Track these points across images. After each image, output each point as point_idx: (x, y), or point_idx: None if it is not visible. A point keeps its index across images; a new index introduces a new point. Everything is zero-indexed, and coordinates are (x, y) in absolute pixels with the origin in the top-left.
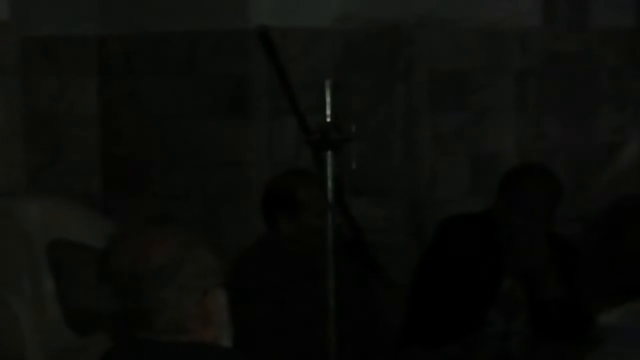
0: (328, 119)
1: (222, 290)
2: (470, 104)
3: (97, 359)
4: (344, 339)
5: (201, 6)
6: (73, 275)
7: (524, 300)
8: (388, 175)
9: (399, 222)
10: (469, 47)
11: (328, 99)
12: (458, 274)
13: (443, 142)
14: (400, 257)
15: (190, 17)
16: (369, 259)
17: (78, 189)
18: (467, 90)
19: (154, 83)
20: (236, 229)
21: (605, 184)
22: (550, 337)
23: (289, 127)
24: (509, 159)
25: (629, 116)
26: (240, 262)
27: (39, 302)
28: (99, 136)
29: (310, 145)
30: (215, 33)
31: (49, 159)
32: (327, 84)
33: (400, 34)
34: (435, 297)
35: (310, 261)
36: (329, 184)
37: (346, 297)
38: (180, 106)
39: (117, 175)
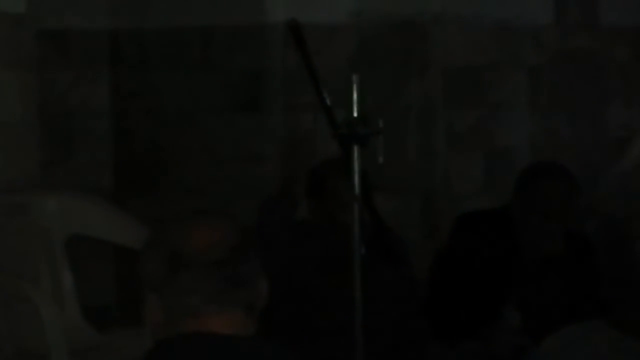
0: (355, 114)
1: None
2: (484, 100)
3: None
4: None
5: (216, 1)
6: (92, 271)
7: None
8: (403, 171)
9: (413, 217)
10: (483, 43)
11: (355, 94)
12: (475, 269)
13: (457, 138)
14: (414, 252)
15: (205, 12)
16: (393, 253)
17: (90, 184)
18: (480, 86)
19: (168, 78)
20: (251, 224)
21: (614, 179)
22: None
23: (304, 122)
24: (522, 155)
25: (638, 112)
26: None
27: (58, 298)
28: (112, 131)
29: (337, 139)
30: (231, 28)
31: (60, 154)
32: (355, 78)
33: (415, 30)
34: (452, 293)
35: (335, 247)
36: (356, 178)
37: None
38: (194, 101)
39: (129, 170)
